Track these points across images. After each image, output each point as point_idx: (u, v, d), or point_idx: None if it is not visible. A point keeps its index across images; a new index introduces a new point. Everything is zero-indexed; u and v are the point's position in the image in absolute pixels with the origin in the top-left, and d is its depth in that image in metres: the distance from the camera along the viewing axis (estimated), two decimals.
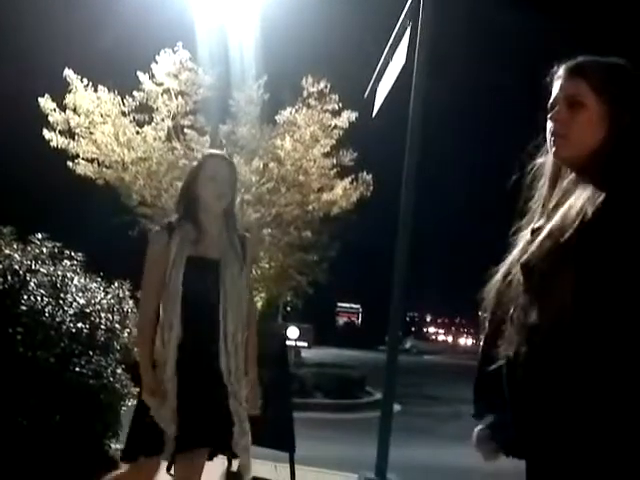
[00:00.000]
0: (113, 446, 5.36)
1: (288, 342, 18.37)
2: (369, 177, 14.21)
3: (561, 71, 1.84)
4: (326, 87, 13.37)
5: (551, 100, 1.85)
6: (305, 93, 13.37)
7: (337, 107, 13.42)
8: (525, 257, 1.74)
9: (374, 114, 6.16)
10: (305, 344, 23.74)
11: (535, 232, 1.77)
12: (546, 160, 1.89)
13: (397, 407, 10.93)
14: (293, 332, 20.24)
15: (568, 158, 1.80)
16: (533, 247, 1.72)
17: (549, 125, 1.83)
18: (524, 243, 1.82)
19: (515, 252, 1.84)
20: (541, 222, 1.79)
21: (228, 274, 3.24)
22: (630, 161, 1.68)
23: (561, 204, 1.74)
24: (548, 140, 1.84)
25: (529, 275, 1.72)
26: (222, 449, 3.31)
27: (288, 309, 25.83)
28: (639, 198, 1.60)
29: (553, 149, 1.82)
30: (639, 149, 1.70)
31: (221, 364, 3.20)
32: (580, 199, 1.67)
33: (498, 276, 1.86)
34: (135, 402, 3.48)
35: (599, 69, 1.79)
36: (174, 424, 3.15)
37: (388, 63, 5.58)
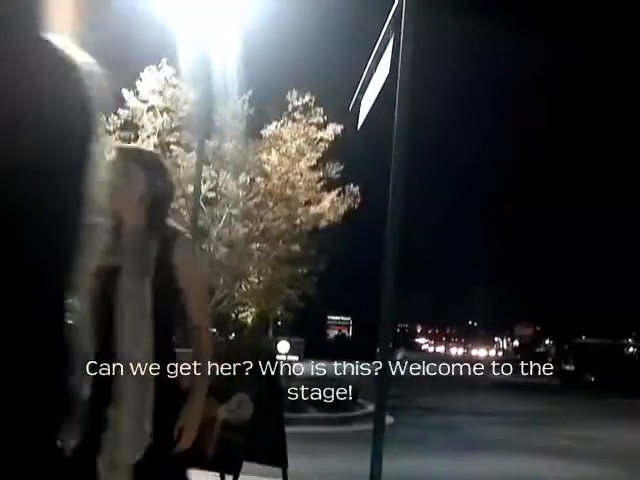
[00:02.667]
0: None
1: (279, 356, 18.30)
2: (356, 189, 14.22)
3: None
4: (311, 100, 13.40)
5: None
6: (290, 107, 13.39)
7: (322, 120, 13.45)
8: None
9: (359, 126, 6.15)
10: (296, 358, 23.63)
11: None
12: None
13: (390, 419, 10.88)
14: (284, 346, 20.19)
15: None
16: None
17: None
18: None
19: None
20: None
21: (124, 286, 2.65)
22: None
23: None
24: None
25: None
26: None
27: (279, 323, 25.79)
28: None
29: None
30: None
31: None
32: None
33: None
34: None
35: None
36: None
37: (372, 74, 5.58)
